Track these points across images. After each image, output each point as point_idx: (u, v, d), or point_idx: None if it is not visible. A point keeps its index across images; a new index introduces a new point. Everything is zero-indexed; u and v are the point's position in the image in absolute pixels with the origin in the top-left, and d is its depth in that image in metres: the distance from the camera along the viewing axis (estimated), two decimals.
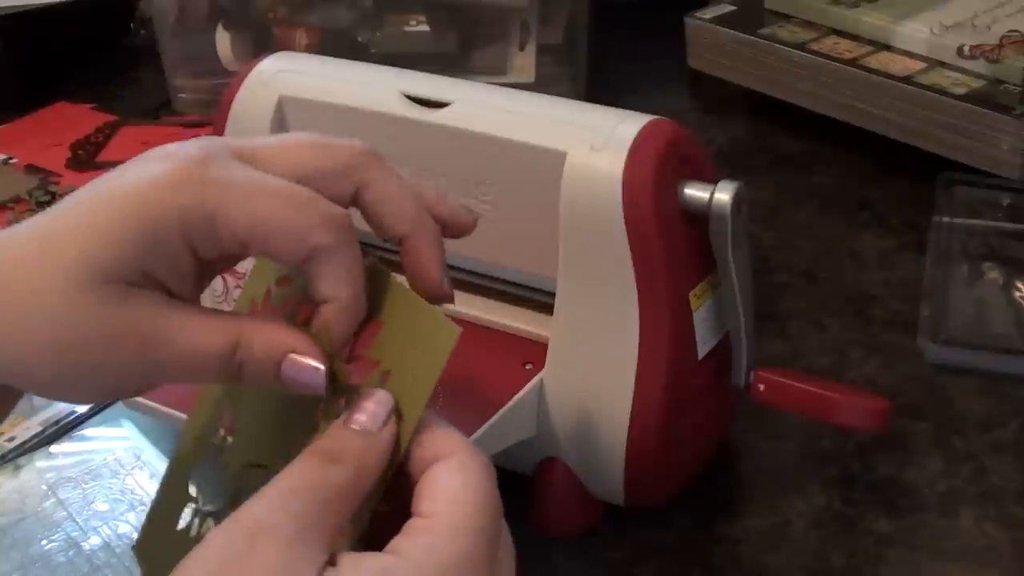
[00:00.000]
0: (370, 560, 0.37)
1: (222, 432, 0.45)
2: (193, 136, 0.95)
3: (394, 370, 0.41)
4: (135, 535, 0.48)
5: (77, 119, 1.01)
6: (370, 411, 0.40)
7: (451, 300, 0.44)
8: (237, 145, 0.42)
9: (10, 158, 0.95)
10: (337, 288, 0.41)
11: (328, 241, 0.40)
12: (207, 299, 0.63)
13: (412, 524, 0.38)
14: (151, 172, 0.39)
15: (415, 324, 0.42)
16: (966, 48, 0.89)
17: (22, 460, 0.66)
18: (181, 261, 0.40)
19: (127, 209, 0.39)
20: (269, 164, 0.41)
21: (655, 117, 0.56)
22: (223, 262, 0.43)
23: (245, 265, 0.65)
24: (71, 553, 0.60)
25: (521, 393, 0.57)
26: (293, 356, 0.40)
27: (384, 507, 0.40)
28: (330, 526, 0.37)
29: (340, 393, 0.41)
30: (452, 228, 0.45)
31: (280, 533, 0.36)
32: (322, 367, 0.40)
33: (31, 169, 0.94)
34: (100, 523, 0.62)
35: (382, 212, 0.43)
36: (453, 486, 0.39)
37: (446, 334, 0.41)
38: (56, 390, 0.41)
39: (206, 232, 0.39)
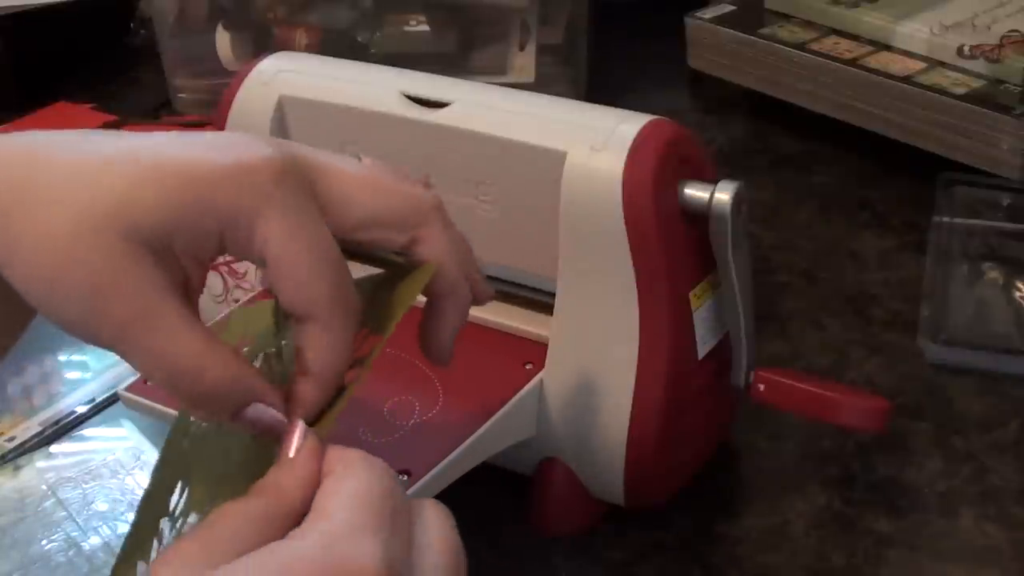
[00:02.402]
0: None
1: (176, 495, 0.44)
2: None
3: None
4: None
5: (77, 119, 1.01)
6: (289, 443, 0.40)
7: (447, 364, 0.45)
8: (312, 161, 0.42)
9: None
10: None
11: (323, 315, 0.40)
12: (207, 299, 0.63)
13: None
14: (221, 157, 0.39)
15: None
16: (966, 48, 0.89)
17: (22, 460, 0.66)
18: (207, 247, 0.39)
19: (185, 179, 0.39)
20: (334, 197, 0.41)
21: (655, 117, 0.56)
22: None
23: (246, 264, 0.65)
24: (71, 553, 0.60)
25: (521, 393, 0.57)
26: (253, 408, 0.40)
27: None
28: (238, 552, 0.36)
29: None
30: (474, 295, 0.46)
31: (184, 559, 0.36)
32: (279, 425, 0.40)
33: None
34: (100, 523, 0.62)
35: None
36: (331, 487, 0.39)
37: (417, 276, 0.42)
38: (43, 307, 0.39)
39: (243, 235, 0.39)
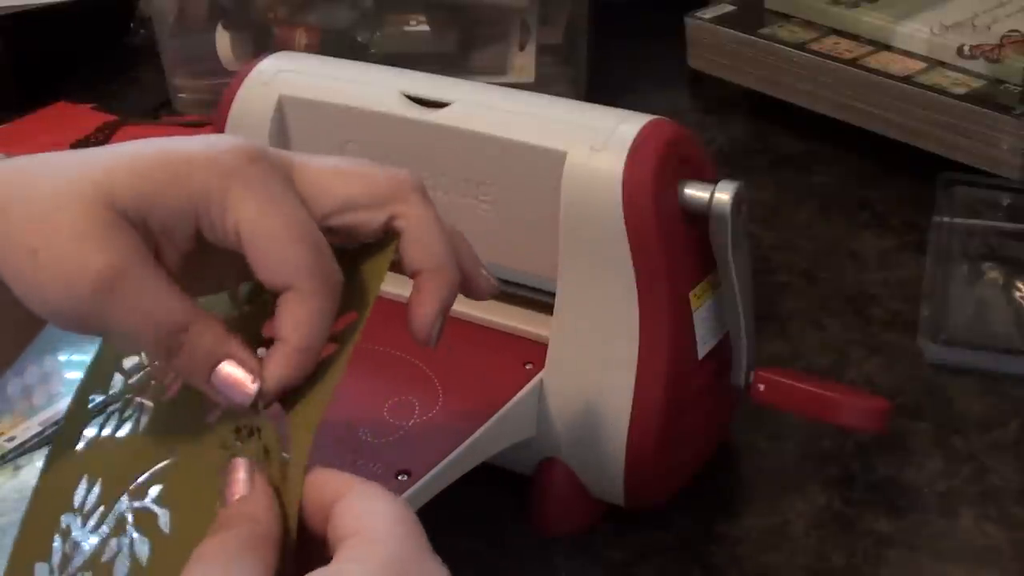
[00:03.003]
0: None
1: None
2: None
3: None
4: None
5: (77, 119, 1.01)
6: (237, 482, 0.40)
7: (432, 346, 0.44)
8: (285, 155, 0.42)
9: None
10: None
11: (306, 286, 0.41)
12: None
13: (341, 546, 0.37)
14: (195, 144, 0.41)
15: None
16: (966, 48, 0.89)
17: (22, 460, 0.66)
18: (181, 228, 0.40)
19: (160, 160, 0.40)
20: (309, 186, 0.42)
21: (655, 117, 0.56)
22: (214, 259, 0.42)
23: None
24: None
25: (521, 393, 0.57)
26: (227, 364, 0.40)
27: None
28: None
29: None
30: (469, 285, 0.45)
31: None
32: (255, 382, 0.40)
33: None
34: None
35: (406, 245, 0.43)
36: (365, 507, 0.38)
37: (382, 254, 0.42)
38: (28, 290, 0.40)
39: (216, 213, 0.40)
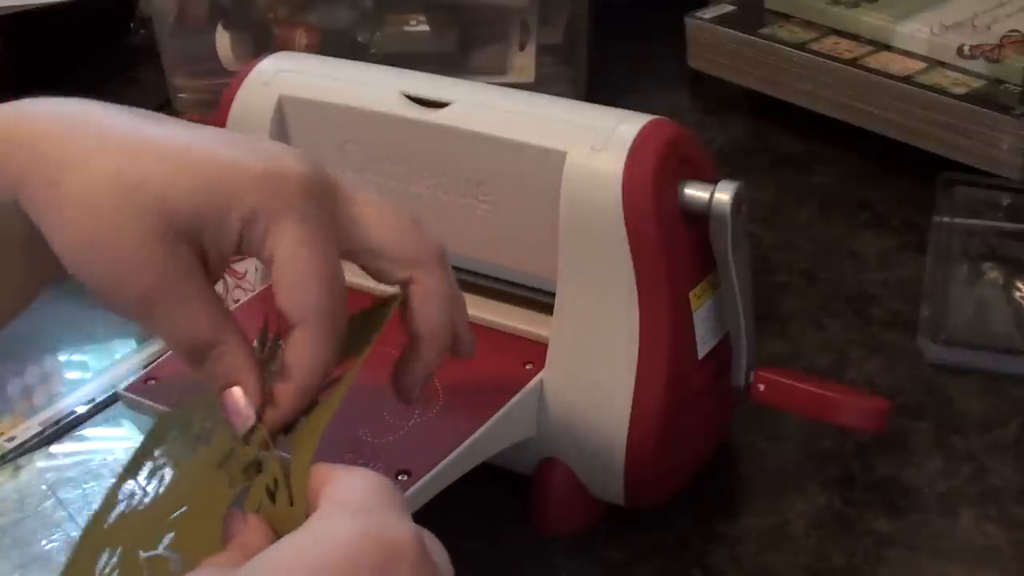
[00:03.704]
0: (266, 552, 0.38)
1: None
2: None
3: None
4: None
5: None
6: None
7: (411, 403, 0.47)
8: (338, 184, 0.45)
9: None
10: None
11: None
12: None
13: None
14: (258, 160, 0.42)
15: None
16: (966, 48, 0.89)
17: (22, 460, 0.66)
18: (229, 242, 0.42)
19: (223, 175, 0.42)
20: (348, 219, 0.44)
21: (655, 117, 0.56)
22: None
23: (246, 264, 0.65)
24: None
25: (521, 393, 0.57)
26: (237, 391, 0.43)
27: None
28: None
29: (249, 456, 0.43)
30: (454, 347, 0.48)
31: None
32: (249, 420, 0.43)
33: None
34: None
35: (412, 311, 0.45)
36: (343, 482, 0.40)
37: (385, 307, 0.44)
38: (79, 268, 0.42)
39: (259, 234, 0.42)
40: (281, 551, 0.37)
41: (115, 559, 0.43)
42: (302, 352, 0.42)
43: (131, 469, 0.46)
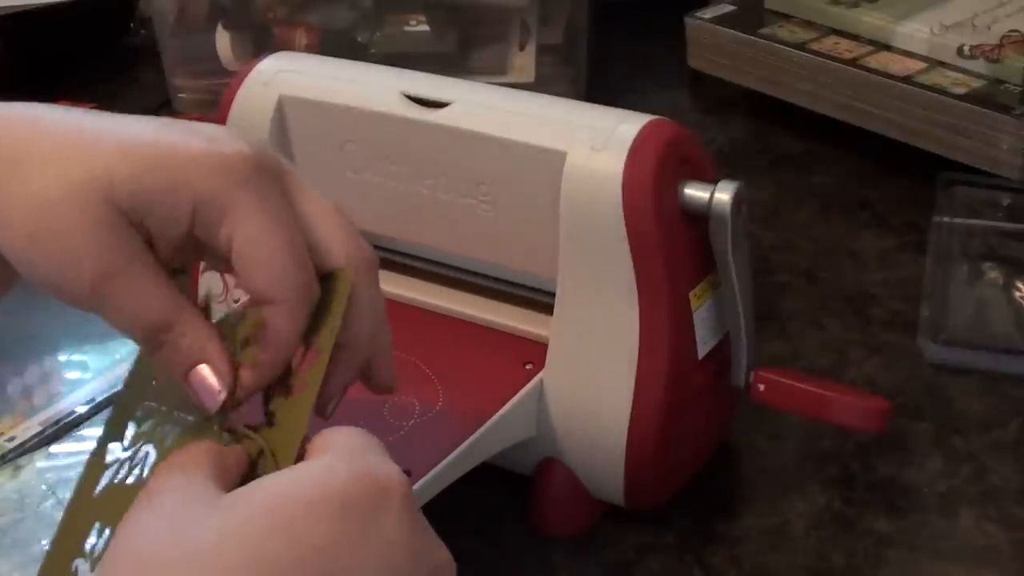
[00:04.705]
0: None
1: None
2: None
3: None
4: None
5: None
6: None
7: (325, 417, 0.46)
8: (286, 167, 0.44)
9: None
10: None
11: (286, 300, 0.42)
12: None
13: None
14: (200, 141, 0.42)
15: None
16: (966, 48, 0.89)
17: (22, 460, 0.66)
18: (177, 225, 0.41)
19: (163, 157, 0.41)
20: (297, 210, 0.43)
21: (655, 117, 0.56)
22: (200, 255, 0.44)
23: None
24: None
25: (521, 393, 0.57)
26: (204, 368, 0.42)
27: None
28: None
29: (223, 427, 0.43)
30: (373, 378, 0.46)
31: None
32: (222, 393, 0.43)
33: None
34: None
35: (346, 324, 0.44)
36: (327, 436, 0.40)
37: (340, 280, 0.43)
38: (24, 264, 0.42)
39: (214, 216, 0.41)
40: (276, 481, 0.37)
41: (103, 541, 0.43)
42: (281, 327, 0.42)
43: (113, 431, 0.45)
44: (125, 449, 0.45)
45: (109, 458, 0.45)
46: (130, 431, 0.45)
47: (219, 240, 0.42)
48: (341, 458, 0.38)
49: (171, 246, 0.42)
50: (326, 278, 0.44)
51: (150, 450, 0.45)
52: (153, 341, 0.42)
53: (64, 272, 0.41)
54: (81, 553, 0.43)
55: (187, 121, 0.44)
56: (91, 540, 0.43)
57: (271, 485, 0.37)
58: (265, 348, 0.43)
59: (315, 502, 0.36)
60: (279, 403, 0.43)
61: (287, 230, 0.42)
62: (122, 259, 0.41)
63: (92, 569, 0.42)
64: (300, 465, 0.38)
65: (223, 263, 0.43)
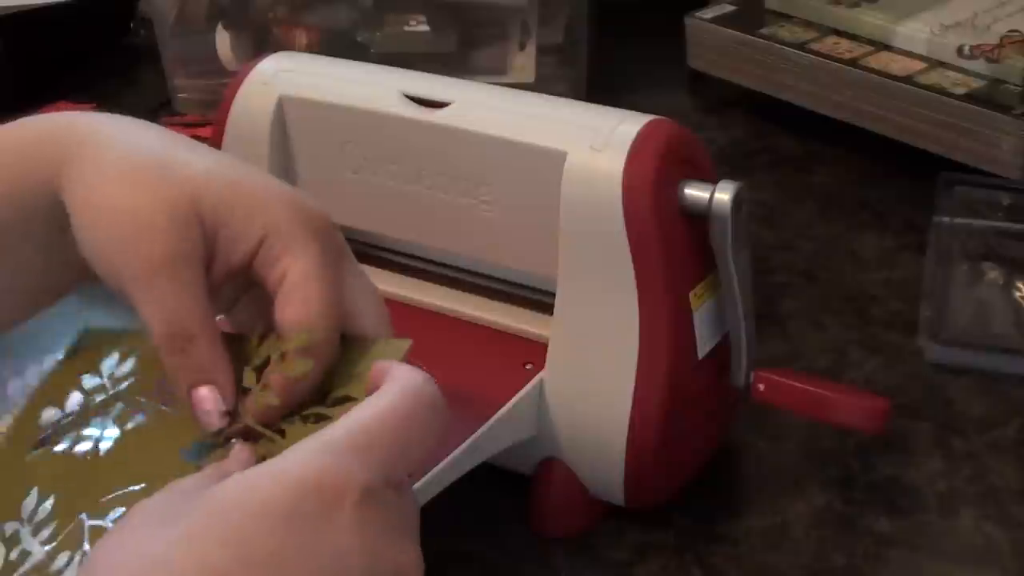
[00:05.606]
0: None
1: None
2: (192, 136, 0.95)
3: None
4: None
5: None
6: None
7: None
8: (349, 256, 0.47)
9: None
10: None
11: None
12: None
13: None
14: (288, 186, 0.46)
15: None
16: (966, 48, 0.89)
17: None
18: (243, 248, 0.44)
19: (255, 185, 0.45)
20: (347, 283, 0.45)
21: (655, 117, 0.56)
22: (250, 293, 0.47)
23: None
24: None
25: (521, 393, 0.57)
26: (207, 390, 0.43)
27: None
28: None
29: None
30: (279, 386, 0.46)
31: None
32: (223, 418, 0.44)
33: None
34: None
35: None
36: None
37: (397, 348, 0.45)
38: (90, 231, 0.44)
39: (278, 249, 0.44)
40: (228, 488, 0.37)
41: (47, 505, 0.43)
42: (295, 373, 0.43)
43: (50, 394, 0.45)
44: (66, 416, 0.45)
45: (43, 421, 0.45)
46: (74, 400, 0.45)
47: (275, 271, 0.43)
48: (298, 460, 0.37)
49: (228, 270, 0.44)
50: (364, 341, 0.45)
51: (107, 425, 0.45)
52: (171, 344, 0.43)
53: (125, 246, 0.42)
54: (15, 516, 0.43)
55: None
56: (28, 506, 0.43)
57: (223, 493, 0.37)
58: (278, 391, 0.43)
59: (262, 511, 0.36)
60: (295, 424, 0.43)
61: (333, 291, 0.44)
62: (181, 253, 0.42)
63: (35, 534, 0.42)
64: (254, 469, 0.38)
65: (256, 305, 0.45)
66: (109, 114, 0.47)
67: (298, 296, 0.43)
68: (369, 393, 0.42)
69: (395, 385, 0.41)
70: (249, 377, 0.44)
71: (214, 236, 0.43)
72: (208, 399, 0.43)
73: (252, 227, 0.43)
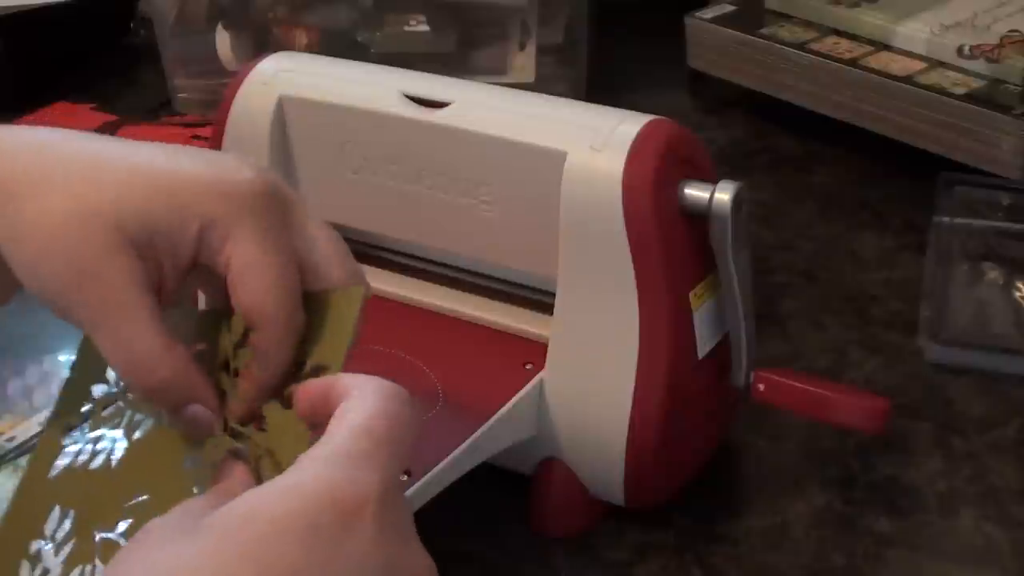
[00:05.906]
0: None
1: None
2: (192, 136, 0.95)
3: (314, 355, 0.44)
4: None
5: (77, 119, 1.01)
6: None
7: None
8: (291, 195, 0.45)
9: None
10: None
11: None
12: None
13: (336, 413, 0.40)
14: (209, 168, 0.44)
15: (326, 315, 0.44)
16: (966, 48, 0.89)
17: (22, 460, 0.66)
18: (184, 250, 0.43)
19: (173, 185, 0.43)
20: (301, 235, 0.44)
21: (655, 117, 0.56)
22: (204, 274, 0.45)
23: None
24: None
25: (521, 393, 0.57)
26: (188, 409, 0.43)
27: None
28: None
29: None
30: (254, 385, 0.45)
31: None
32: (209, 430, 0.44)
33: None
34: None
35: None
36: (338, 413, 0.40)
37: (351, 296, 0.44)
38: (29, 281, 0.43)
39: (218, 239, 0.43)
40: (246, 502, 0.37)
41: (68, 524, 0.43)
42: (269, 355, 0.43)
43: (69, 408, 0.45)
44: (84, 432, 0.45)
45: (66, 440, 0.45)
46: (88, 412, 0.45)
47: (220, 259, 0.43)
48: (310, 473, 0.37)
49: (178, 272, 0.43)
50: (325, 296, 0.44)
51: (117, 437, 0.45)
52: (139, 382, 0.43)
53: (67, 295, 0.42)
54: (39, 535, 0.43)
55: (196, 148, 0.46)
56: (51, 524, 0.43)
57: (240, 509, 0.37)
58: (250, 377, 0.44)
59: (282, 526, 0.36)
60: (275, 410, 0.43)
61: (280, 258, 0.43)
62: (124, 288, 0.42)
63: (56, 553, 0.42)
64: (267, 485, 0.38)
65: (221, 293, 0.44)
66: (33, 132, 0.45)
67: (245, 285, 0.43)
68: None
69: (367, 388, 0.40)
70: (224, 381, 0.44)
71: (150, 246, 0.42)
72: (195, 416, 0.43)
73: (184, 225, 0.43)
